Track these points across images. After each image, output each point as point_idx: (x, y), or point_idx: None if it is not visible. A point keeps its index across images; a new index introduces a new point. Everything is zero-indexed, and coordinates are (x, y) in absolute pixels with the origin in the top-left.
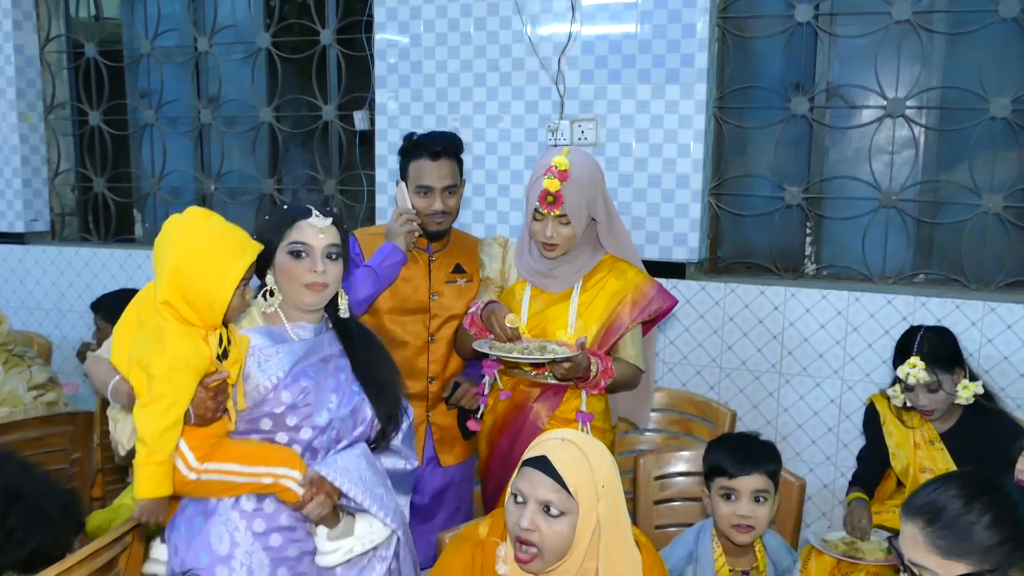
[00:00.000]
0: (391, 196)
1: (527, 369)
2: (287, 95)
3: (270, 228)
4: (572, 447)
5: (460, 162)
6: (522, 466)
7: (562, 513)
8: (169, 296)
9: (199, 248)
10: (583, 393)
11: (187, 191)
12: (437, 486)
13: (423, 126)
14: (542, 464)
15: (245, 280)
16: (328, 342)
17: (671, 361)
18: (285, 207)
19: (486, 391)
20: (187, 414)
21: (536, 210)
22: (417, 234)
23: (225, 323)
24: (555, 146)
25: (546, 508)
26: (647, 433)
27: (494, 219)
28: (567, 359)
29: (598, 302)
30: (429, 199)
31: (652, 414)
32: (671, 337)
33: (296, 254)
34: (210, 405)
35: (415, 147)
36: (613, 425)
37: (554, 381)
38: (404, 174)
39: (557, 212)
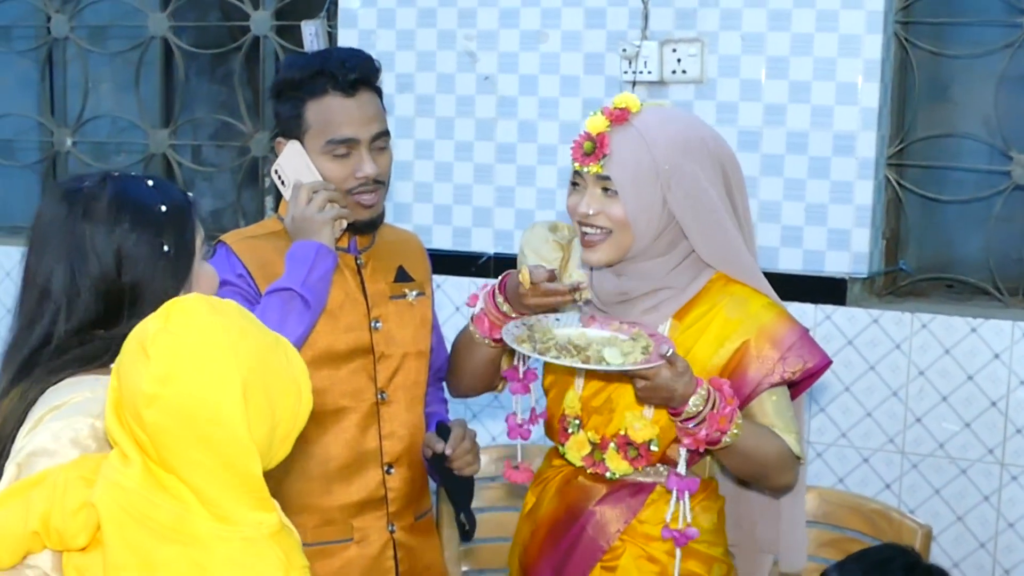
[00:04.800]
0: None
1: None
2: None
3: (187, 224)
4: None
5: (381, 97)
6: None
7: None
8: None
9: (261, 345)
10: (675, 494)
11: (24, 146)
12: None
13: (415, 47)
14: None
15: None
16: None
17: (821, 441)
18: (174, 189)
19: (519, 418)
20: None
21: (574, 170)
22: (346, 222)
23: None
24: (633, 85)
25: None
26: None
27: (531, 200)
28: (638, 372)
29: (700, 351)
30: (352, 160)
31: None
32: (821, 402)
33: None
34: None
35: (311, 79)
36: (731, 553)
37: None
38: (292, 127)
39: (596, 169)
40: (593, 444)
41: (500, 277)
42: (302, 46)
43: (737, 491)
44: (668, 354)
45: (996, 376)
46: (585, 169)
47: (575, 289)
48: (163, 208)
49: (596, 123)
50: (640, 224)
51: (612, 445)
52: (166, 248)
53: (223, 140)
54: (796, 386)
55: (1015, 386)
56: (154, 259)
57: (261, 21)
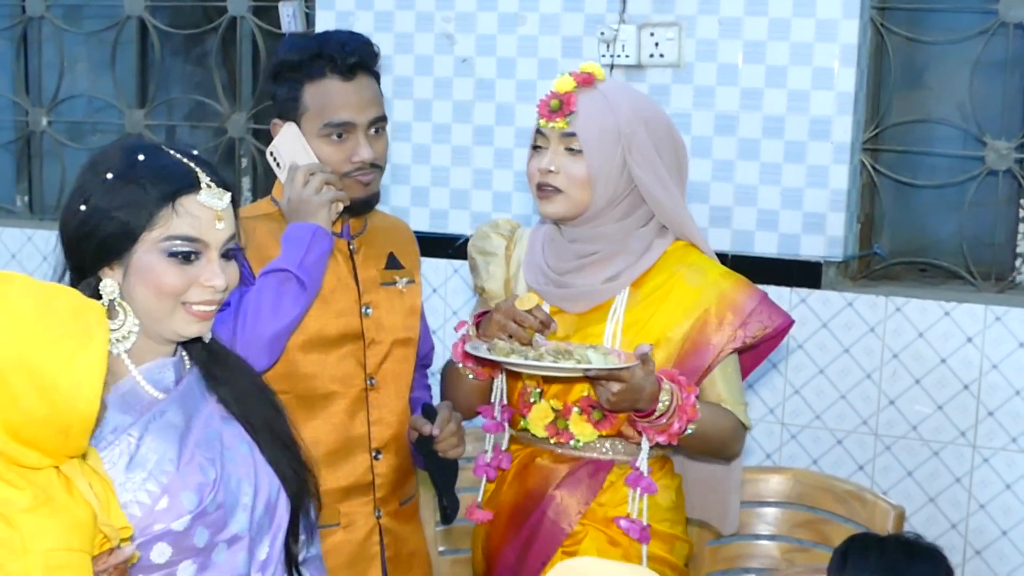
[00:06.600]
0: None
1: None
2: None
3: (125, 201)
4: None
5: (379, 82)
6: None
7: None
8: None
9: (28, 335)
10: (636, 491)
11: (0, 126)
12: None
13: (393, 29)
14: None
15: None
16: (198, 389)
17: (795, 423)
18: (154, 165)
19: (488, 459)
20: None
21: (537, 130)
22: (342, 204)
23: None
24: (611, 69)
25: None
26: (757, 542)
27: (508, 183)
28: (611, 372)
29: (660, 320)
30: (348, 144)
31: (767, 510)
32: (796, 383)
33: (184, 257)
34: None
35: (310, 61)
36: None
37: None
38: (289, 109)
39: (562, 125)
40: (556, 411)
41: (480, 314)
42: (279, 27)
43: (681, 464)
44: (647, 352)
45: (968, 359)
46: (551, 125)
47: (545, 324)
48: (108, 176)
49: (564, 83)
50: (599, 184)
51: (575, 410)
52: (83, 208)
53: (198, 121)
54: (758, 349)
55: (987, 369)
56: (74, 217)
57: (238, 2)
